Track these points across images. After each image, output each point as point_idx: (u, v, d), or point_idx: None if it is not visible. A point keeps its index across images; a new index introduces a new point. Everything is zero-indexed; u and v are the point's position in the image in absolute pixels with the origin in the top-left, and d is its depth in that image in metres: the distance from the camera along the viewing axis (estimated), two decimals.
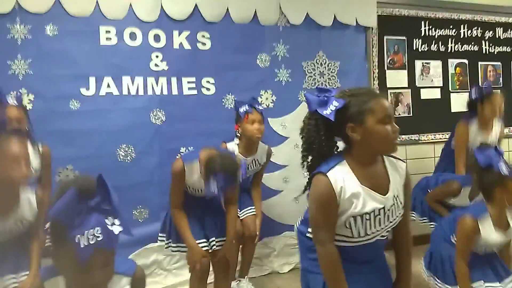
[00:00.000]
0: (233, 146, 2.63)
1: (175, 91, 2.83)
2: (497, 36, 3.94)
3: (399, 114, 3.58)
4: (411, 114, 3.61)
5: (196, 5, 2.86)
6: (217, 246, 2.25)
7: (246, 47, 3.02)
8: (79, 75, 2.65)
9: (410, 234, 1.47)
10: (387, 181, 1.34)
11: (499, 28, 3.94)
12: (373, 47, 3.49)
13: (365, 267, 1.37)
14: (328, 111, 1.26)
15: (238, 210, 2.58)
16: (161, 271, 2.80)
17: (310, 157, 1.35)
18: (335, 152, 1.37)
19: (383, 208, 1.30)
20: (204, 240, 2.22)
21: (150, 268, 2.75)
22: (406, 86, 3.62)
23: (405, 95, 3.61)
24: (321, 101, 1.29)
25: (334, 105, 1.26)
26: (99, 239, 1.01)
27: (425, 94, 3.65)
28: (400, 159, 1.43)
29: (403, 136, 3.54)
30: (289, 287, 2.88)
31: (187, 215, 2.21)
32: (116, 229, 1.05)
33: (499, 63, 3.96)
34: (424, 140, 3.66)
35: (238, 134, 2.63)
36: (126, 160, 2.74)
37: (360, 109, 1.26)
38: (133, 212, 2.77)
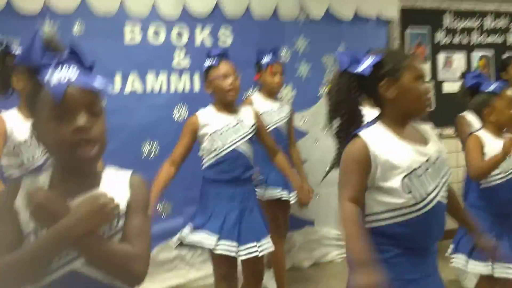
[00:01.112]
0: (256, 96, 2.63)
1: (197, 88, 2.87)
2: None
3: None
4: (433, 108, 3.57)
5: (217, 1, 2.88)
6: (246, 254, 2.00)
7: (266, 43, 3.03)
8: (105, 74, 2.69)
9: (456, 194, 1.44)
10: (423, 137, 1.30)
11: None
12: (394, 41, 3.45)
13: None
14: (364, 66, 1.23)
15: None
16: (184, 265, 2.86)
17: (336, 120, 1.30)
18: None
19: (428, 160, 1.23)
20: (235, 244, 1.98)
21: (174, 263, 2.82)
22: (429, 78, 3.58)
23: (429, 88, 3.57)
24: (354, 59, 1.26)
25: (370, 60, 1.23)
26: (72, 76, 0.87)
27: (448, 87, 3.60)
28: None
29: None
30: (309, 282, 2.91)
31: (220, 209, 2.02)
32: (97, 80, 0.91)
33: None
34: (447, 134, 3.61)
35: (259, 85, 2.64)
36: (150, 157, 2.80)
37: (396, 65, 1.23)
38: (157, 207, 2.83)
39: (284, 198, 2.58)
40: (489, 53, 3.73)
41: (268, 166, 2.40)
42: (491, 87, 1.92)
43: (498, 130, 1.93)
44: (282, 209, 2.65)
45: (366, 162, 1.20)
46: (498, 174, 1.88)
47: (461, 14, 3.63)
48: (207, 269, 2.68)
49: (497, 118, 1.90)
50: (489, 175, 1.89)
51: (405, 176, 1.19)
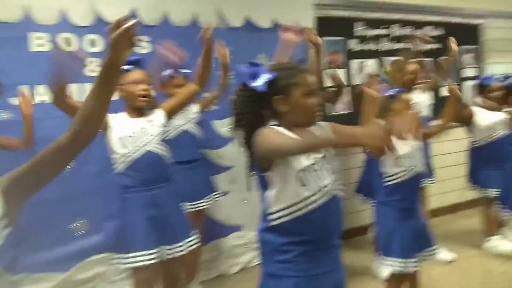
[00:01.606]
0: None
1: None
2: (427, 34, 4.19)
3: (340, 112, 3.72)
4: (352, 111, 3.76)
5: (133, 8, 2.80)
6: (171, 254, 2.10)
7: (186, 49, 3.00)
8: (8, 85, 2.51)
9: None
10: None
11: (428, 27, 4.20)
12: (311, 48, 3.58)
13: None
14: (259, 83, 1.33)
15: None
16: (105, 284, 2.73)
17: (240, 131, 1.40)
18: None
19: (324, 156, 1.36)
20: (154, 251, 2.02)
21: (93, 282, 2.68)
22: (345, 84, 3.76)
23: (344, 93, 3.75)
24: (252, 74, 1.36)
25: (264, 77, 1.34)
26: None
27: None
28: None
29: None
30: (237, 287, 2.92)
31: (133, 216, 2.04)
32: None
33: (429, 59, 4.21)
34: None
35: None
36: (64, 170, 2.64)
37: (287, 82, 1.35)
38: (74, 224, 2.68)
39: (198, 209, 2.64)
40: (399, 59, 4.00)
41: None
42: (390, 92, 2.06)
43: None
44: (198, 219, 2.66)
45: None
46: (402, 171, 2.02)
47: (371, 23, 3.87)
48: (129, 285, 2.60)
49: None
50: (394, 173, 2.03)
51: (300, 170, 1.30)
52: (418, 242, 2.04)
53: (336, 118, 3.68)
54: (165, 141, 2.20)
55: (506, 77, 3.21)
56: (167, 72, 2.57)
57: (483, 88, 3.34)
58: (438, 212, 4.25)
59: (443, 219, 4.15)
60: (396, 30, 4.02)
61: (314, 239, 1.32)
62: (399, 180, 2.03)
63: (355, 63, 3.81)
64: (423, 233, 2.09)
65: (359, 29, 3.82)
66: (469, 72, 4.45)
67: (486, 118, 3.24)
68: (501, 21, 4.65)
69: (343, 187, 1.43)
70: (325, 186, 1.33)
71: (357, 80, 3.80)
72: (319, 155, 1.34)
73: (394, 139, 1.98)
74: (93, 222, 2.72)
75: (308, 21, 3.50)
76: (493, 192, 3.17)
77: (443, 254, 3.07)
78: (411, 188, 2.06)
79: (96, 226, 2.69)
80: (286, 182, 1.30)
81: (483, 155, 3.29)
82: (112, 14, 2.73)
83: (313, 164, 1.32)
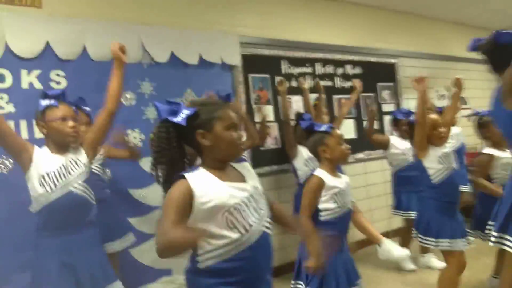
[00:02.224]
0: None
1: (25, 135, 2.54)
2: (346, 72, 4.44)
3: (269, 147, 3.75)
4: (281, 146, 3.80)
5: (47, 42, 2.66)
6: None
7: (106, 85, 2.88)
8: None
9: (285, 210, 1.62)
10: (241, 175, 1.43)
11: (348, 65, 4.45)
12: (239, 85, 3.63)
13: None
14: (179, 118, 1.32)
15: None
16: None
17: (160, 169, 1.35)
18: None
19: (251, 196, 1.36)
20: None
21: None
22: (273, 120, 3.83)
23: (273, 128, 3.81)
24: (172, 110, 1.34)
25: (185, 112, 1.33)
26: None
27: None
28: (242, 159, 1.56)
29: (275, 167, 3.70)
30: None
31: (46, 264, 1.85)
32: None
33: (349, 95, 4.44)
34: None
35: None
36: None
37: (209, 116, 1.35)
38: None
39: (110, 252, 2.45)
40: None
41: None
42: (323, 127, 2.10)
43: (333, 166, 2.10)
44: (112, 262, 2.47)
45: (188, 202, 1.26)
46: (335, 208, 2.03)
47: (295, 62, 4.02)
48: None
49: (331, 155, 2.07)
50: (327, 210, 2.03)
51: (226, 211, 1.27)
52: (348, 276, 2.03)
53: (264, 153, 3.70)
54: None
55: (409, 112, 3.44)
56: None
57: (395, 121, 3.66)
58: (368, 242, 4.35)
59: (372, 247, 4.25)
60: (319, 69, 4.21)
61: (244, 279, 1.30)
62: (333, 216, 2.04)
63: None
64: (352, 266, 2.09)
65: (284, 67, 3.95)
66: (387, 107, 4.74)
67: (399, 145, 3.55)
68: (413, 60, 5.08)
69: (270, 223, 1.40)
70: (252, 225, 1.31)
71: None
72: (245, 194, 1.34)
73: (328, 176, 2.03)
74: (2, 273, 2.40)
75: (235, 58, 3.56)
76: (412, 215, 3.30)
77: (434, 261, 3.48)
78: (343, 224, 2.08)
79: (5, 278, 2.38)
80: (210, 225, 1.26)
81: (400, 179, 3.51)
82: (24, 47, 2.57)
83: (239, 203, 1.30)
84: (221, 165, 1.39)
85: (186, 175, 1.30)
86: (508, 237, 1.80)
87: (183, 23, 3.33)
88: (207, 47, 3.37)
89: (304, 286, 2.01)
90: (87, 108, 2.49)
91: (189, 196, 1.25)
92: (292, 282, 2.08)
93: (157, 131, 1.35)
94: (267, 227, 1.37)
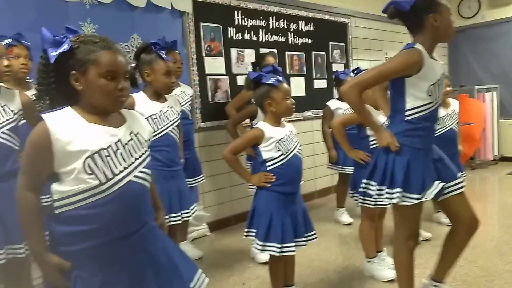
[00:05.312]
0: None
1: None
2: (300, 29, 4.39)
3: (219, 100, 3.68)
4: (229, 100, 3.74)
5: None
6: None
7: (45, 24, 2.63)
8: None
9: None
10: (122, 120, 1.31)
11: (301, 22, 4.40)
12: (190, 33, 3.48)
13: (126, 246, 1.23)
14: (53, 53, 1.18)
15: None
16: None
17: (44, 105, 1.25)
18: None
19: (121, 142, 1.25)
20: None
21: None
22: (224, 72, 3.74)
23: (223, 82, 3.73)
24: (55, 41, 1.20)
25: (62, 46, 1.19)
26: None
27: (241, 81, 3.82)
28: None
29: (224, 121, 3.67)
30: None
31: None
32: None
33: (302, 53, 4.43)
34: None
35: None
36: None
37: (85, 57, 1.20)
38: None
39: None
40: (274, 50, 4.12)
41: None
42: (270, 80, 2.06)
43: (277, 119, 2.10)
44: None
45: (46, 148, 1.15)
46: (280, 156, 2.04)
47: (249, 13, 3.90)
48: None
49: (275, 109, 2.06)
50: (272, 158, 2.04)
51: (88, 157, 1.17)
52: (298, 227, 2.07)
53: (213, 106, 3.64)
54: None
55: (353, 71, 3.48)
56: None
57: (339, 82, 3.63)
58: (312, 196, 4.54)
59: (317, 201, 4.45)
60: (272, 23, 4.12)
61: (105, 228, 1.19)
62: (280, 164, 2.04)
63: (234, 51, 3.80)
64: (303, 218, 2.12)
65: (238, 18, 3.82)
66: (337, 66, 4.79)
67: (340, 105, 3.52)
68: (364, 21, 5.12)
69: (144, 176, 1.29)
70: (117, 174, 1.21)
71: (235, 69, 3.80)
72: (113, 139, 1.23)
73: (269, 127, 2.03)
74: None
75: (186, 4, 3.39)
76: (348, 170, 3.40)
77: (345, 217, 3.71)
78: (290, 172, 2.08)
79: None
80: (72, 169, 1.16)
81: None
82: None
83: (104, 147, 1.19)
84: (97, 111, 1.25)
85: (45, 116, 1.16)
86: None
87: None
88: None
89: (256, 232, 2.04)
90: (27, 42, 2.30)
91: (46, 141, 1.14)
92: (246, 230, 2.11)
93: (38, 63, 1.24)
94: (140, 177, 1.27)
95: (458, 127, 3.34)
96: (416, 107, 1.84)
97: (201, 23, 3.56)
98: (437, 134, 3.08)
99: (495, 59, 6.19)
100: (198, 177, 3.08)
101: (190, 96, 3.11)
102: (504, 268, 2.60)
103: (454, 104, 3.33)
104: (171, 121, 2.29)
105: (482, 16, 6.24)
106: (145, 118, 2.07)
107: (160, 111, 2.24)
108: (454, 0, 6.43)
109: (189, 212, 2.39)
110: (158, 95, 2.28)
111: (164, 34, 3.20)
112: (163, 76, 2.22)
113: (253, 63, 3.48)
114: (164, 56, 2.24)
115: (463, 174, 3.29)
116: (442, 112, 3.14)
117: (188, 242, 3.19)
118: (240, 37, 3.84)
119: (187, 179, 2.66)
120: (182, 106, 2.80)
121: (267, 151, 2.04)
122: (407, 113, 1.86)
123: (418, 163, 1.86)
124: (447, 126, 3.21)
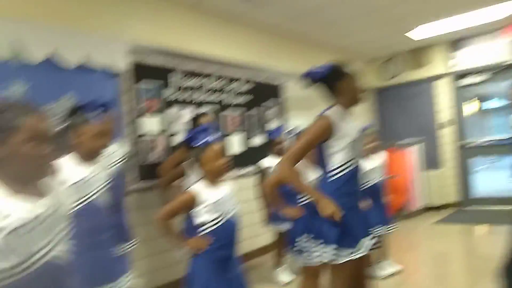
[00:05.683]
0: None
1: None
2: (237, 89, 4.54)
3: (155, 160, 3.63)
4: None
5: None
6: None
7: None
8: None
9: None
10: (45, 191, 1.24)
11: (238, 82, 4.56)
12: (126, 93, 3.46)
13: None
14: None
15: None
16: None
17: None
18: None
19: (38, 216, 1.16)
20: None
21: None
22: (160, 132, 3.72)
23: (160, 141, 3.70)
24: None
25: None
26: None
27: (178, 140, 3.80)
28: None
29: (152, 181, 3.59)
30: None
31: None
32: None
33: (239, 111, 4.55)
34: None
35: None
36: None
37: (6, 124, 1.14)
38: None
39: None
40: (212, 108, 4.20)
41: None
42: (199, 142, 2.06)
43: (212, 179, 2.09)
44: None
45: None
46: (215, 219, 2.00)
47: (187, 74, 3.99)
48: None
49: (208, 169, 2.06)
50: (206, 222, 2.01)
51: (7, 234, 1.08)
52: None
53: (150, 167, 3.57)
54: None
55: (281, 131, 3.65)
56: None
57: (271, 141, 3.75)
58: (252, 255, 4.47)
59: (257, 260, 4.38)
60: (211, 83, 4.23)
61: None
62: (215, 227, 2.00)
63: (171, 111, 3.82)
64: (240, 283, 2.07)
65: (176, 79, 3.88)
66: (273, 125, 4.96)
67: (272, 163, 3.56)
68: (298, 81, 5.41)
69: (65, 252, 1.22)
70: (36, 252, 1.13)
71: (173, 127, 3.81)
72: (31, 215, 1.14)
73: (203, 189, 2.01)
74: None
75: (122, 65, 3.40)
76: (285, 227, 3.37)
77: (284, 276, 3.65)
78: (227, 235, 2.04)
79: None
80: None
81: None
82: None
83: (22, 224, 1.11)
84: (22, 180, 1.18)
85: None
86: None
87: (66, 21, 3.08)
88: (91, 49, 3.16)
89: None
90: None
91: None
92: None
93: None
94: (58, 257, 1.19)
95: (385, 179, 3.54)
96: (340, 166, 1.97)
97: (138, 83, 3.56)
98: (365, 187, 3.26)
99: (417, 115, 6.77)
100: (129, 243, 2.91)
101: (123, 155, 3.02)
102: None
103: (381, 157, 3.55)
104: (98, 186, 2.18)
105: (404, 76, 6.88)
106: (70, 185, 1.97)
107: (86, 176, 2.12)
108: (378, 62, 7.06)
109: (118, 284, 2.23)
110: (86, 159, 2.19)
111: (99, 93, 3.18)
112: (91, 138, 2.14)
113: (190, 123, 3.51)
114: (93, 118, 2.19)
115: (392, 225, 3.46)
116: (369, 165, 3.32)
117: None
118: (178, 97, 3.88)
119: (118, 246, 2.52)
120: (113, 166, 2.71)
121: (202, 215, 2.00)
122: (333, 172, 1.98)
123: (350, 219, 1.93)
124: (374, 179, 3.39)
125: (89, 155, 2.17)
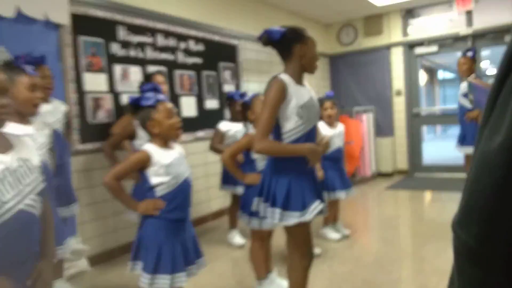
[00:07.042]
0: None
1: None
2: (190, 48, 4.32)
3: (100, 120, 3.41)
4: (114, 120, 3.48)
5: None
6: None
7: None
8: None
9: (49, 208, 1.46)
10: (9, 146, 1.29)
11: (191, 41, 4.34)
12: (67, 47, 3.18)
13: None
14: None
15: None
16: None
17: None
18: None
19: (9, 169, 1.22)
20: None
21: None
22: (106, 90, 3.48)
23: (105, 100, 3.47)
24: None
25: None
26: None
27: (126, 99, 3.59)
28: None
29: (98, 143, 3.39)
30: None
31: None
32: None
33: (192, 72, 4.35)
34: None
35: None
36: None
37: None
38: None
39: None
40: (163, 68, 3.98)
41: None
42: (149, 101, 1.93)
43: (164, 141, 1.97)
44: None
45: None
46: (170, 180, 1.90)
47: (135, 29, 3.72)
48: None
49: (159, 130, 1.93)
50: (161, 184, 1.89)
51: None
52: (188, 255, 1.95)
53: (94, 127, 3.35)
54: None
55: (242, 94, 3.56)
56: None
57: (233, 102, 3.67)
58: (207, 219, 4.42)
59: (211, 224, 4.33)
60: (161, 40, 3.98)
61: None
62: (168, 190, 1.91)
63: (118, 68, 3.57)
64: (193, 244, 2.01)
65: (122, 34, 3.61)
66: (228, 87, 4.81)
67: (230, 126, 3.59)
68: (254, 43, 5.25)
69: (39, 203, 1.30)
70: (5, 202, 1.19)
71: (120, 86, 3.57)
72: (0, 167, 1.20)
73: (156, 150, 1.89)
74: None
75: (62, 16, 3.10)
76: (240, 190, 3.35)
77: (237, 239, 3.67)
78: (182, 197, 1.96)
79: None
80: None
81: None
82: None
83: None
84: None
85: None
86: None
87: None
88: None
89: (142, 265, 1.87)
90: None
91: None
92: (130, 262, 1.92)
93: None
94: (30, 205, 1.26)
95: (344, 146, 3.58)
96: (291, 130, 1.95)
97: (80, 37, 3.28)
98: (328, 153, 3.28)
99: (371, 82, 6.84)
100: (72, 205, 2.74)
101: (64, 114, 2.79)
102: (384, 279, 2.76)
103: (340, 124, 3.58)
104: (38, 146, 2.00)
105: (359, 43, 6.88)
106: None
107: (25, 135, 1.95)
108: (334, 28, 7.00)
109: (61, 249, 2.11)
110: (21, 116, 1.99)
111: (38, 47, 2.91)
112: (25, 90, 1.96)
113: (141, 83, 3.29)
114: (28, 70, 1.98)
115: (352, 189, 3.56)
116: (330, 132, 3.37)
117: (64, 280, 2.83)
118: (125, 54, 3.63)
119: (60, 207, 2.36)
120: (53, 125, 2.50)
121: (155, 176, 1.90)
122: (284, 136, 1.97)
123: (298, 184, 1.94)
124: (335, 145, 3.42)
125: (24, 109, 1.98)
